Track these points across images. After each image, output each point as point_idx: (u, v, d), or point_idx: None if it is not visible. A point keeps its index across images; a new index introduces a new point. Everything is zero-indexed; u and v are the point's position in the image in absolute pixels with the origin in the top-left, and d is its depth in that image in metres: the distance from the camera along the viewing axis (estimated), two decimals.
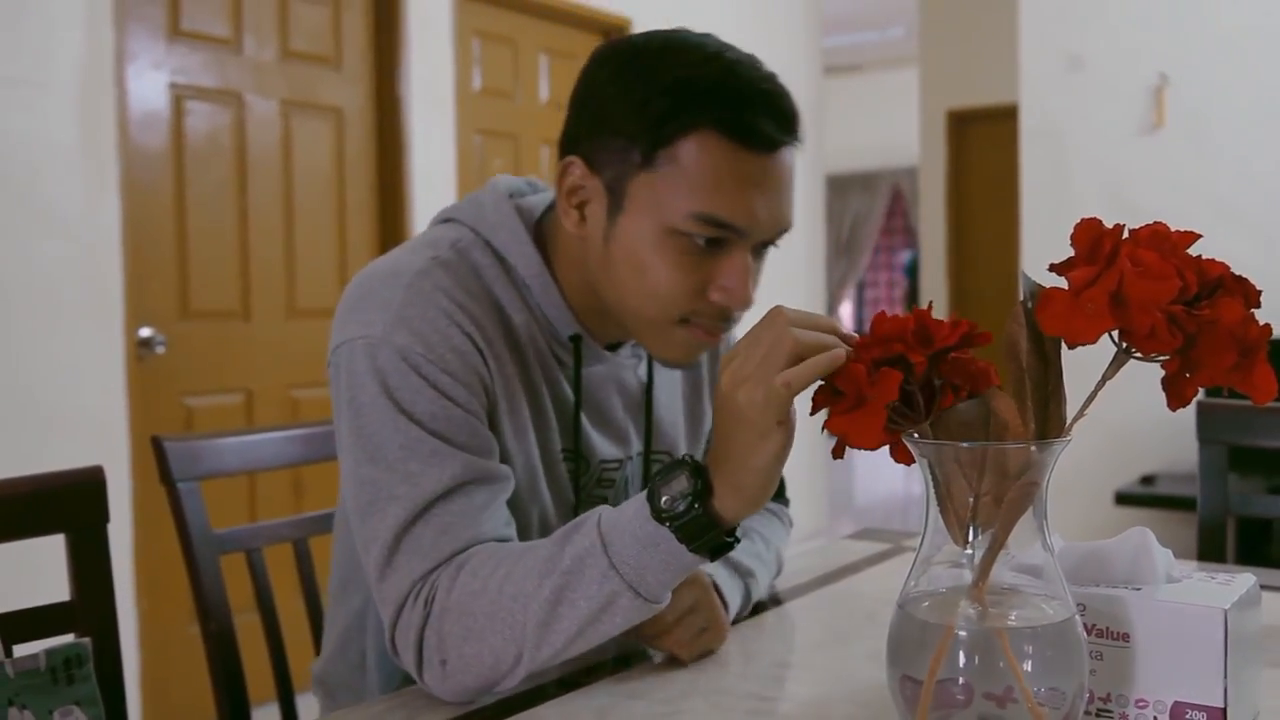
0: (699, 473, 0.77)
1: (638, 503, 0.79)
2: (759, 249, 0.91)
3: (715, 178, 0.85)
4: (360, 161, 3.23)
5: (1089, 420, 0.64)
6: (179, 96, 2.78)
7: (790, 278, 4.60)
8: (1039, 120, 3.81)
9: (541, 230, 0.98)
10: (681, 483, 0.77)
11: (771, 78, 0.88)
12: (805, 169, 4.78)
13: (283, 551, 1.20)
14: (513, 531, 0.89)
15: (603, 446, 1.01)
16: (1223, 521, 1.32)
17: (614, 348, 1.02)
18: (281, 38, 3.01)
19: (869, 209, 9.70)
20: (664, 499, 0.77)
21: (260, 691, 1.13)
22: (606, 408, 1.02)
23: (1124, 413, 1.89)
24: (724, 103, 0.85)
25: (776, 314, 0.76)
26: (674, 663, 0.89)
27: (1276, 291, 0.67)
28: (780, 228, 0.90)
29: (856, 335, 0.76)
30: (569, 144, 0.93)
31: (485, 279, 0.94)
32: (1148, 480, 3.50)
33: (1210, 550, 1.32)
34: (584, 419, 0.99)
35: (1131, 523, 0.89)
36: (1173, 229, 0.62)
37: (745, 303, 0.89)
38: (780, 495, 1.15)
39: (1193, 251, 0.62)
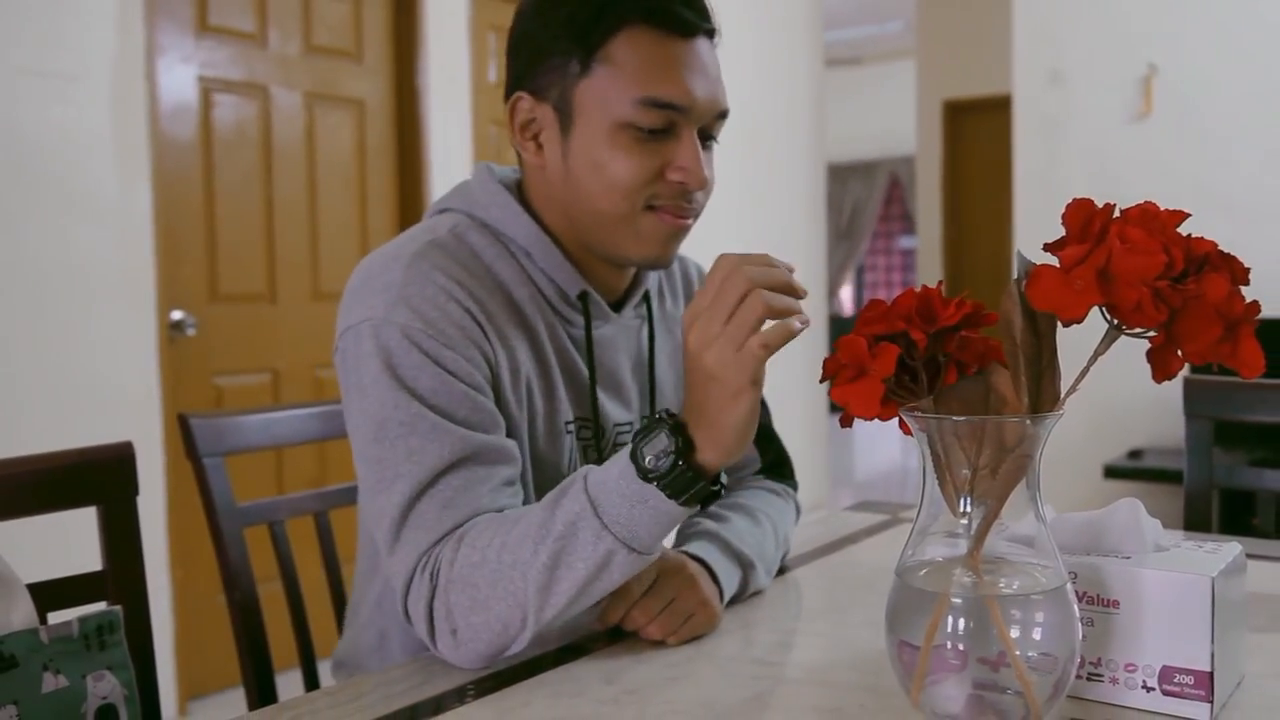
0: (678, 430, 0.79)
1: (622, 463, 0.81)
2: (705, 139, 0.95)
3: (650, 65, 0.91)
4: (381, 151, 3.26)
5: (1078, 396, 0.65)
6: (207, 89, 2.82)
7: (792, 261, 4.62)
8: (1031, 110, 3.81)
9: (524, 196, 1.01)
10: (662, 441, 0.79)
11: None
12: (806, 157, 4.75)
13: (305, 524, 1.23)
14: (518, 503, 0.90)
15: (614, 411, 1.02)
16: (1208, 493, 1.33)
17: (618, 309, 1.03)
18: (305, 32, 3.05)
19: (868, 196, 9.76)
20: (647, 458, 0.79)
21: (284, 658, 1.16)
22: (616, 371, 1.03)
23: (1111, 389, 1.90)
24: None
25: (734, 270, 0.77)
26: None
27: (1260, 276, 0.68)
28: (718, 109, 0.94)
29: (792, 267, 0.79)
30: (512, 87, 0.97)
31: (485, 259, 0.96)
32: (1135, 454, 3.52)
33: (1196, 521, 1.33)
34: (597, 386, 1.00)
35: (1119, 495, 0.90)
36: None
37: (701, 181, 0.93)
38: (789, 478, 1.15)
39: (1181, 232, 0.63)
